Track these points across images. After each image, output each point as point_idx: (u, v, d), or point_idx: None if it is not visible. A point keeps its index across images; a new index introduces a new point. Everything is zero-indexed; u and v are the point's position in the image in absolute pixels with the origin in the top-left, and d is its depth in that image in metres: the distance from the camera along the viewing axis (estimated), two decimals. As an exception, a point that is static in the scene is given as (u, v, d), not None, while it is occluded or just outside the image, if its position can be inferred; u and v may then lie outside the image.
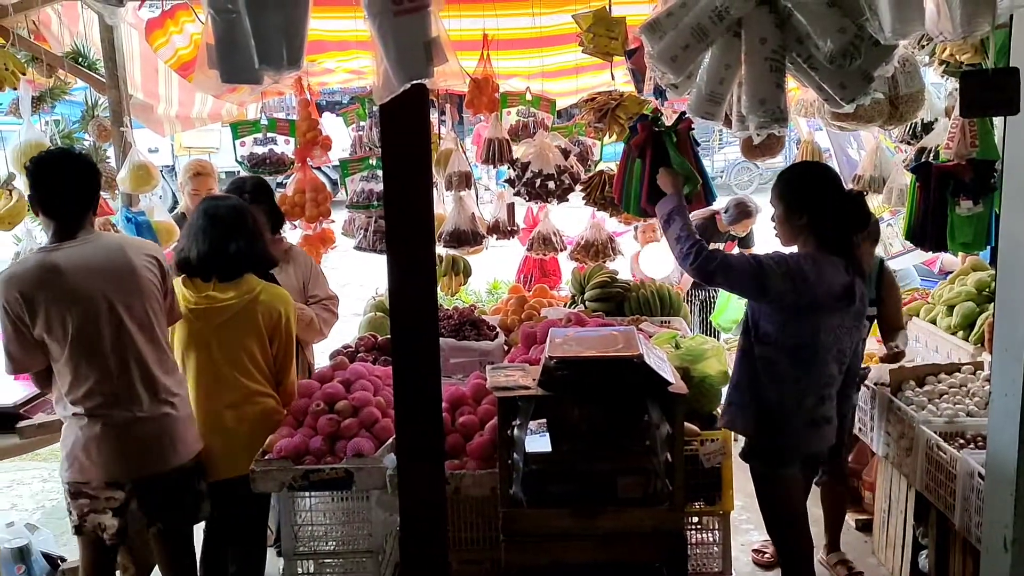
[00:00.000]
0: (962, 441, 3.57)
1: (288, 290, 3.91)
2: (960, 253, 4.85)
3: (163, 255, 3.32)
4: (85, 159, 3.21)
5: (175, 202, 19.01)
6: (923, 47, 3.75)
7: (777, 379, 3.26)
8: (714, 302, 6.42)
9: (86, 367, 3.01)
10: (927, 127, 4.58)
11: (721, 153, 20.87)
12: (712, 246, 6.52)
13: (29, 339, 2.99)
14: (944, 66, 3.89)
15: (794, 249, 3.34)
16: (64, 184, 3.06)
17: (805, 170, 3.54)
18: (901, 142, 4.94)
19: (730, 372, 3.50)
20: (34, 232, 4.26)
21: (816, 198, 3.28)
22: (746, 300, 3.40)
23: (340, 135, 5.72)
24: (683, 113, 4.12)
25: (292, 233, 5.25)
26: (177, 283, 3.42)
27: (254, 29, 1.77)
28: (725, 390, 3.54)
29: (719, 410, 3.52)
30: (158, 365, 3.12)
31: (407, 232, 2.17)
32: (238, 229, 3.39)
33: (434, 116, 5.47)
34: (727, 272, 3.19)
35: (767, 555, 4.28)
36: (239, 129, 5.23)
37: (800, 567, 3.48)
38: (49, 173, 3.07)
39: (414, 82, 1.81)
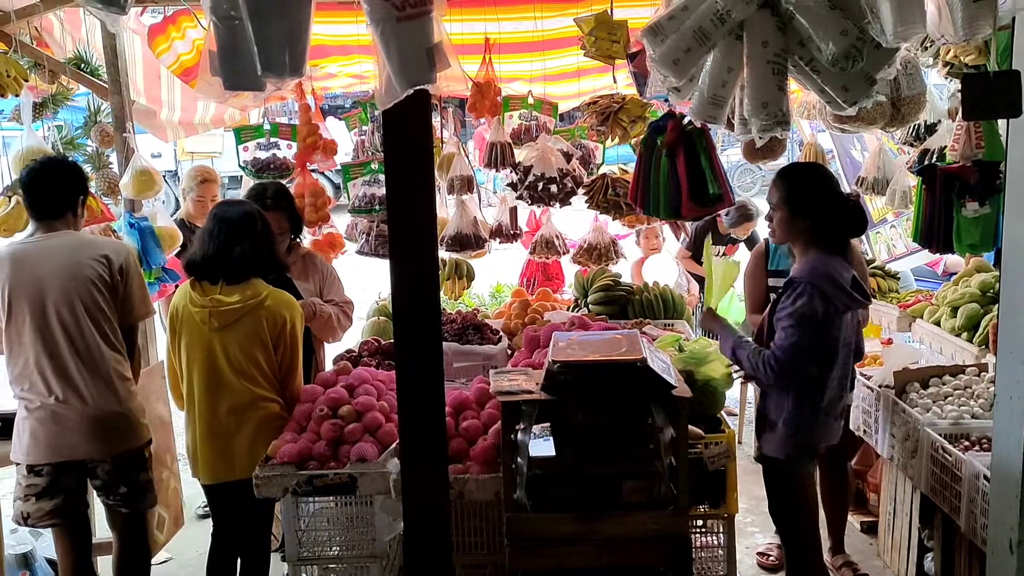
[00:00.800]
0: (967, 443, 3.56)
1: (305, 295, 3.91)
2: (966, 254, 4.84)
3: (125, 254, 3.46)
4: (65, 166, 3.53)
5: (178, 207, 19.09)
6: (926, 49, 3.75)
7: (811, 385, 3.27)
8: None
9: (16, 353, 3.30)
10: (930, 129, 4.58)
11: (723, 156, 20.85)
12: (714, 249, 6.57)
13: None
14: (948, 67, 3.88)
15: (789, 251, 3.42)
16: (39, 189, 3.39)
17: (809, 172, 3.52)
18: (904, 144, 4.94)
19: (735, 375, 3.48)
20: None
21: (821, 201, 3.29)
22: (766, 321, 3.39)
23: (343, 139, 5.73)
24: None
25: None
26: (184, 286, 3.45)
27: (256, 36, 1.77)
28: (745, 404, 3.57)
29: (760, 446, 3.51)
30: (79, 357, 3.27)
31: (410, 236, 2.17)
32: (246, 232, 3.39)
33: (436, 120, 5.47)
34: (797, 353, 3.18)
35: (772, 558, 4.27)
36: (242, 134, 5.24)
37: (815, 567, 3.50)
38: (29, 179, 3.40)
39: (417, 87, 1.81)
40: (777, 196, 3.36)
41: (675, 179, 3.75)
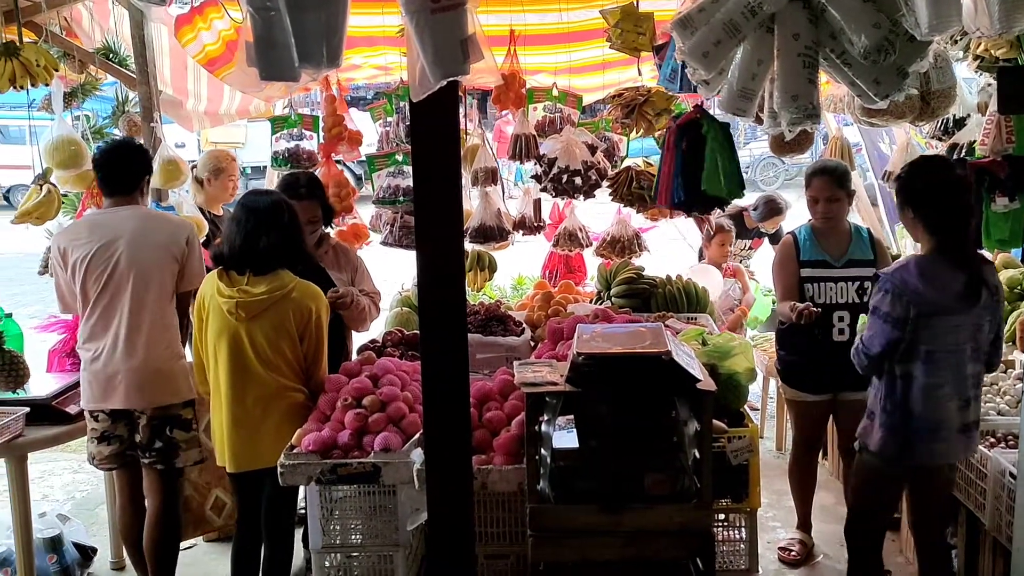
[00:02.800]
0: (993, 440, 3.53)
1: (340, 285, 3.93)
2: (995, 250, 4.79)
3: (191, 227, 3.80)
4: (134, 147, 3.88)
5: (201, 196, 19.22)
6: (956, 42, 3.71)
7: (920, 392, 3.14)
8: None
9: (86, 311, 3.61)
10: (959, 123, 4.52)
11: (746, 149, 20.71)
12: (739, 243, 6.50)
13: (65, 283, 3.66)
14: (979, 61, 3.83)
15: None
16: (112, 167, 3.71)
17: (920, 165, 3.38)
18: (932, 138, 4.88)
19: (758, 369, 3.48)
20: (65, 226, 4.31)
21: (925, 194, 3.17)
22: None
23: (367, 130, 5.75)
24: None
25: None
26: (211, 276, 3.47)
27: (294, 27, 1.78)
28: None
29: (858, 431, 3.39)
30: (138, 316, 3.57)
31: (436, 228, 2.17)
32: (273, 223, 3.41)
33: (462, 111, 5.48)
34: (872, 347, 3.17)
35: (793, 553, 4.26)
36: (275, 124, 5.32)
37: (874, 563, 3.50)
38: (103, 159, 3.74)
39: (450, 79, 1.81)
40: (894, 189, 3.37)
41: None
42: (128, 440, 3.70)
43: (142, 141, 4.73)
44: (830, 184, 4.02)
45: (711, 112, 3.94)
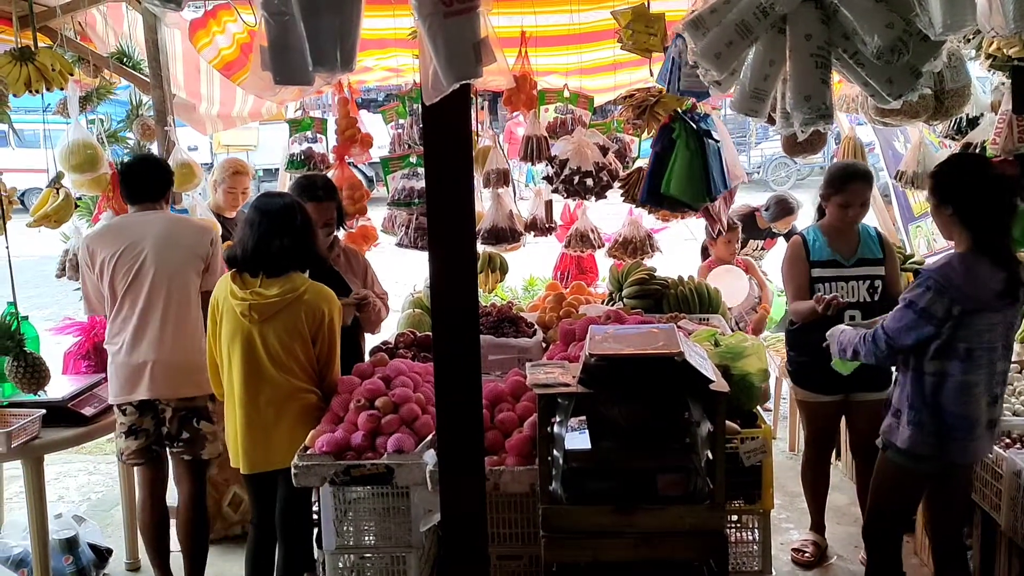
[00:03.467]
0: (1008, 440, 3.52)
1: (354, 288, 3.95)
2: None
3: (214, 230, 4.00)
4: (156, 161, 4.09)
5: (212, 199, 19.34)
6: (969, 41, 3.69)
7: (955, 390, 3.13)
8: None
9: (113, 309, 3.77)
10: (972, 122, 4.50)
11: (758, 149, 20.68)
12: (751, 243, 6.47)
13: (92, 284, 3.83)
14: (991, 60, 3.81)
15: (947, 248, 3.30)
16: (137, 179, 3.89)
17: (957, 162, 3.40)
18: (946, 137, 4.86)
19: (772, 370, 3.46)
20: (82, 230, 4.34)
21: (963, 191, 3.16)
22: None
23: (379, 133, 5.77)
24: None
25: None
26: (225, 278, 3.49)
27: (308, 31, 1.79)
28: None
29: (882, 428, 3.38)
30: (163, 312, 3.75)
31: (449, 230, 2.17)
32: (286, 226, 3.42)
33: (473, 113, 5.48)
34: (900, 339, 3.16)
35: (807, 554, 4.25)
36: (292, 127, 5.39)
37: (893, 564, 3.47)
38: (128, 172, 3.92)
39: (463, 82, 1.82)
40: (929, 184, 3.31)
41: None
42: (155, 434, 3.84)
43: (156, 144, 4.78)
44: (864, 189, 4.03)
45: (697, 117, 3.98)
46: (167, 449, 3.89)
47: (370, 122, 5.86)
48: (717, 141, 4.44)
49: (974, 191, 3.15)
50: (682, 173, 3.98)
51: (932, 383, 3.15)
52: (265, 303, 3.37)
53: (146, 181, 3.89)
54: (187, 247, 3.83)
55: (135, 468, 4.01)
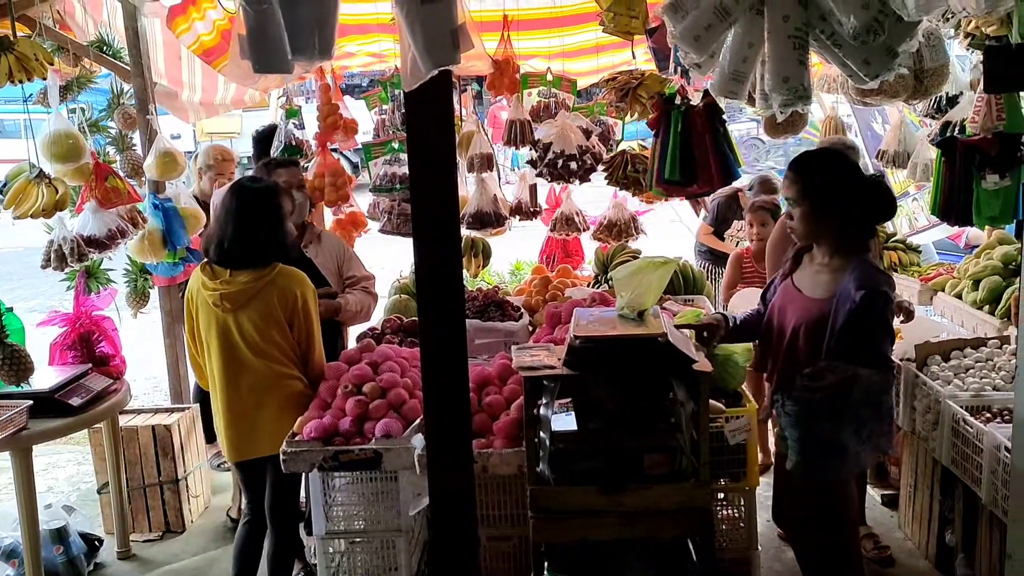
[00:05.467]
0: (988, 415, 3.56)
1: (326, 274, 3.96)
2: (987, 227, 4.81)
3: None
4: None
5: (197, 186, 19.25)
6: (947, 20, 3.71)
7: (887, 391, 3.06)
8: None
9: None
10: (952, 101, 4.54)
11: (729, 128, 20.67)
12: (735, 224, 6.49)
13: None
14: (969, 39, 3.84)
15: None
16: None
17: (830, 159, 3.13)
18: (926, 116, 4.90)
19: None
20: (65, 221, 4.31)
21: (848, 190, 2.97)
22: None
23: (362, 119, 5.75)
24: (706, 92, 4.15)
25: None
26: (196, 270, 3.51)
27: (286, 21, 1.80)
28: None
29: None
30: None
31: (433, 215, 2.18)
32: (251, 216, 3.42)
33: (456, 98, 5.48)
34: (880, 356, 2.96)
35: (792, 531, 4.29)
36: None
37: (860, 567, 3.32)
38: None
39: (441, 68, 1.83)
40: (796, 190, 3.02)
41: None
42: None
43: (138, 133, 4.76)
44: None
45: (686, 97, 4.00)
46: None
47: (354, 108, 5.85)
48: (722, 122, 4.29)
49: (853, 186, 3.00)
50: (675, 158, 3.99)
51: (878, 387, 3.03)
52: (236, 291, 3.37)
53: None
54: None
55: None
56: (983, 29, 3.70)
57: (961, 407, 3.59)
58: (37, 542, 3.83)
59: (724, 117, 4.07)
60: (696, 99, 4.06)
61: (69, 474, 5.50)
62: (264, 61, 1.86)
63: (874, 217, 3.07)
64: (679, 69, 3.78)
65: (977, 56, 4.10)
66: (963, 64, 4.58)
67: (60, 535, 4.16)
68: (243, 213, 3.41)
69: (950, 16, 3.56)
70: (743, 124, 19.60)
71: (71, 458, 5.67)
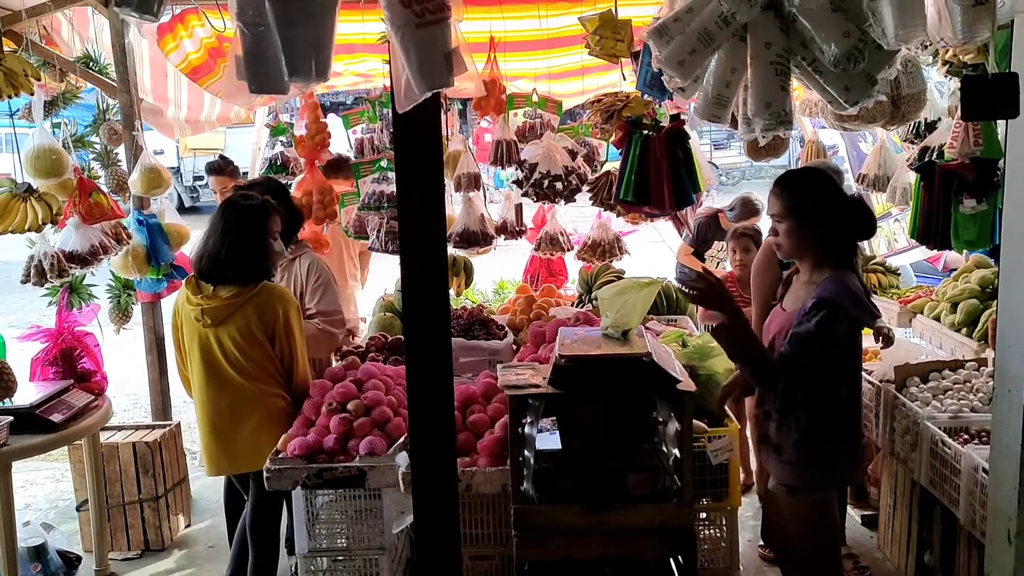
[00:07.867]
0: (966, 436, 3.60)
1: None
2: (964, 251, 4.88)
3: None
4: None
5: (181, 203, 19.17)
6: (926, 47, 3.78)
7: (853, 411, 3.10)
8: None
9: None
10: (930, 126, 4.61)
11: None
12: (716, 245, 6.53)
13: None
14: (948, 66, 3.92)
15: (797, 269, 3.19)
16: None
17: (814, 177, 3.17)
18: (905, 141, 4.97)
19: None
20: (48, 236, 4.29)
21: (831, 208, 3.02)
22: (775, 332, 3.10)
23: (338, 135, 5.74)
24: (674, 116, 4.23)
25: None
26: (183, 286, 3.51)
27: (283, 42, 1.81)
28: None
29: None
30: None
31: (420, 234, 2.20)
32: (252, 233, 3.44)
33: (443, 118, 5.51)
34: (799, 363, 2.87)
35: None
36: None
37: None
38: None
39: (435, 91, 1.85)
40: (780, 206, 3.06)
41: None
42: None
43: (123, 148, 4.76)
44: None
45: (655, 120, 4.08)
46: None
47: (332, 126, 5.84)
48: (684, 148, 4.36)
49: (835, 204, 3.04)
50: (631, 179, 4.07)
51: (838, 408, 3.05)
52: (217, 306, 3.38)
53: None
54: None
55: None
56: (961, 57, 3.77)
57: (939, 428, 3.62)
58: (15, 559, 3.79)
59: (689, 144, 4.15)
60: (667, 121, 4.14)
61: (47, 491, 5.44)
62: (261, 82, 1.87)
63: (855, 234, 3.13)
64: (645, 92, 3.86)
65: (956, 83, 4.17)
66: (941, 90, 4.66)
67: (38, 553, 4.12)
68: (228, 230, 3.42)
69: (928, 44, 3.64)
70: (726, 151, 19.90)
71: (50, 475, 5.61)
